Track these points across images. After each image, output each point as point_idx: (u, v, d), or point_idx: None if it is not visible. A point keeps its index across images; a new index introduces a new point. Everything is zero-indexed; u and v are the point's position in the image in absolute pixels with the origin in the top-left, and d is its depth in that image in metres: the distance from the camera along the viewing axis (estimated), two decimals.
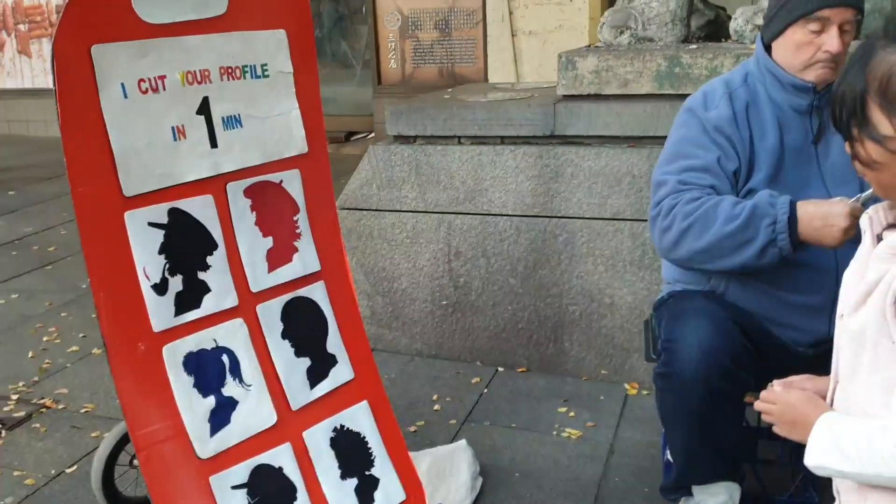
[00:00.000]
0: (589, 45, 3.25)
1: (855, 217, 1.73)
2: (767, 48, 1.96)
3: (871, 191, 1.77)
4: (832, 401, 1.17)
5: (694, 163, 1.92)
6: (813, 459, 1.11)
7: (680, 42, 3.08)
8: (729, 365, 1.82)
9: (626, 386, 2.88)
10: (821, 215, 1.75)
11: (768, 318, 1.96)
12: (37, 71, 8.71)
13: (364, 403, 1.96)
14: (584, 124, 2.95)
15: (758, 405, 1.27)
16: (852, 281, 1.12)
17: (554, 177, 2.95)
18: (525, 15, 6.10)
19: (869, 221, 1.15)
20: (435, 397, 2.82)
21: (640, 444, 2.49)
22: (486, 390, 2.87)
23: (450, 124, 3.09)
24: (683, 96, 2.82)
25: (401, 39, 6.89)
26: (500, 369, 3.02)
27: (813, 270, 1.88)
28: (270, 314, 1.83)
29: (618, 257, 2.90)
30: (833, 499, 1.20)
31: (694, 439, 1.92)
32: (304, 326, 1.88)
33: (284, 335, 1.85)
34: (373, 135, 7.09)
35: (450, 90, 3.74)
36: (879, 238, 1.11)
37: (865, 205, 1.80)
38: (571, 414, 2.68)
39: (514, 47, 6.11)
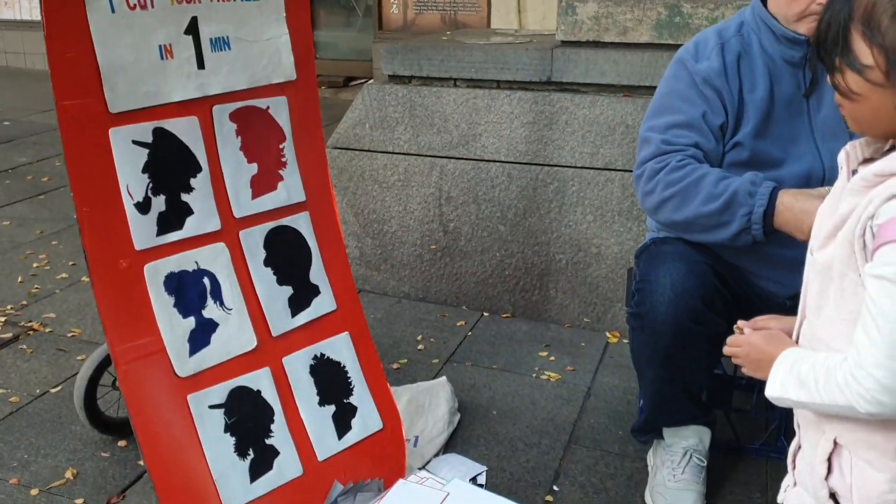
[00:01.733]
0: None
1: None
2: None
3: None
4: (798, 337, 1.18)
5: (679, 118, 1.92)
6: (773, 391, 1.13)
7: None
8: (700, 306, 1.84)
9: (608, 334, 2.91)
10: (796, 209, 1.75)
11: (749, 270, 1.98)
12: (34, 2, 8.59)
13: (345, 335, 1.98)
14: (581, 71, 2.93)
15: (726, 349, 1.28)
16: (824, 215, 1.13)
17: (548, 124, 2.94)
18: None
19: (846, 157, 1.15)
20: (419, 338, 2.84)
21: (616, 388, 2.53)
22: (469, 333, 2.90)
23: (446, 65, 3.07)
24: (679, 47, 2.82)
25: None
26: (485, 314, 3.05)
27: None
28: (253, 240, 1.83)
29: (607, 207, 2.90)
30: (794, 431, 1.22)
31: (664, 380, 1.95)
32: (286, 255, 1.89)
33: (267, 262, 1.86)
34: (372, 81, 7.03)
35: (449, 33, 3.70)
36: (853, 172, 1.11)
37: None
38: (552, 358, 2.71)
39: None
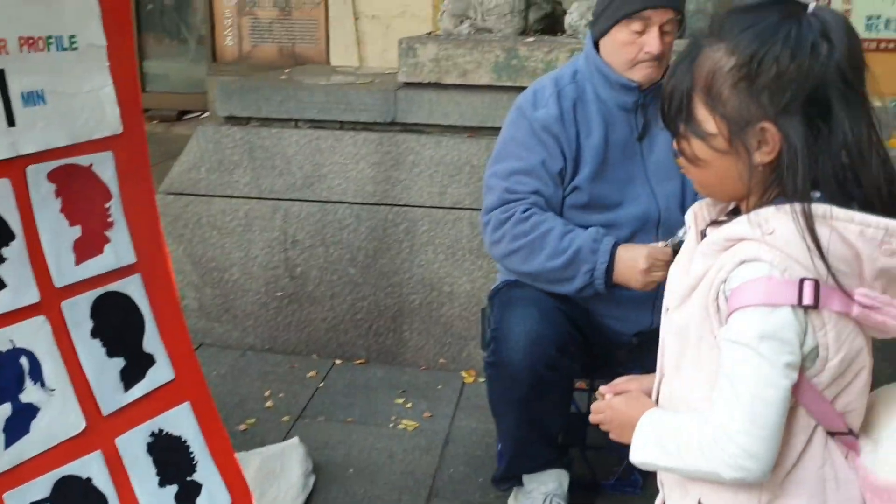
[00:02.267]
0: (430, 33, 3.22)
1: (655, 259, 1.82)
2: (596, 45, 2.00)
3: (679, 236, 1.84)
4: (657, 396, 1.19)
5: (520, 165, 1.97)
6: (637, 456, 1.12)
7: (518, 34, 3.11)
8: (554, 353, 1.86)
9: (463, 374, 2.90)
10: (627, 260, 1.85)
11: (598, 311, 2.02)
12: None
13: (186, 405, 1.82)
14: (425, 112, 2.92)
15: (591, 417, 1.27)
16: (677, 275, 1.14)
17: (395, 164, 2.90)
18: None
19: (693, 217, 1.17)
20: (267, 393, 2.70)
21: (475, 432, 2.51)
22: (321, 384, 2.79)
23: (286, 106, 2.97)
24: (521, 88, 2.83)
25: (238, 16, 6.59)
26: (338, 361, 2.95)
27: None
28: (78, 311, 1.66)
29: (457, 246, 2.90)
30: (658, 489, 1.22)
31: (522, 428, 1.95)
32: (117, 324, 1.73)
33: (94, 333, 1.69)
34: (207, 114, 6.76)
35: (287, 71, 3.60)
36: (703, 234, 1.13)
37: (676, 248, 1.88)
38: (409, 405, 2.66)
39: (356, 30, 6.00)
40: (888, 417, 1.04)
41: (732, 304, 1.00)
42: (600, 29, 1.96)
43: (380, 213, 2.92)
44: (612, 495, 2.21)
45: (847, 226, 0.95)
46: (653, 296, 1.96)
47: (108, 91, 1.69)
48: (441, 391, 2.77)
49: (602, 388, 1.27)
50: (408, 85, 2.98)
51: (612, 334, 2.05)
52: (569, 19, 3.03)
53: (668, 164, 1.96)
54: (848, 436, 1.03)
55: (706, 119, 1.04)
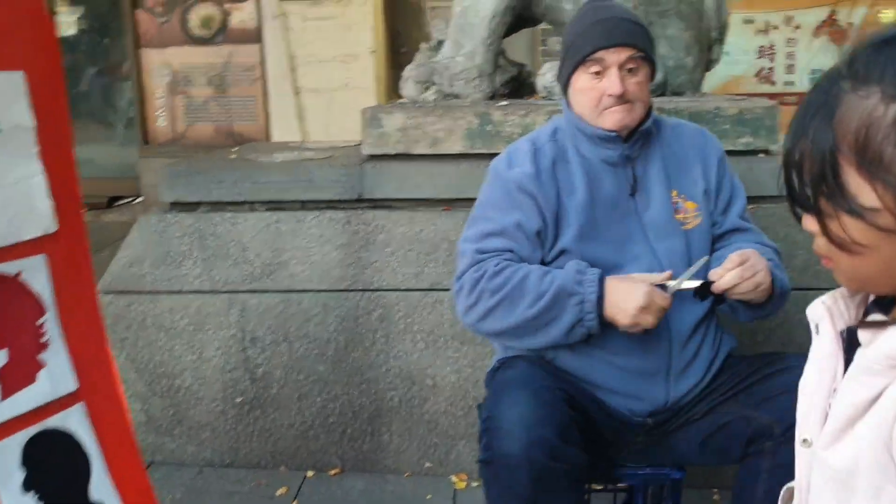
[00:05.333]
0: (393, 101, 2.98)
1: (653, 301, 1.63)
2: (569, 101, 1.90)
3: (681, 279, 1.70)
4: None
5: (492, 227, 1.83)
6: None
7: (487, 98, 2.90)
8: (555, 440, 1.59)
9: (454, 478, 2.57)
10: (621, 290, 1.67)
11: (602, 385, 1.80)
12: None
13: None
14: (395, 186, 2.65)
15: None
16: (820, 395, 0.86)
17: (364, 245, 2.61)
18: (308, 72, 5.79)
19: (828, 314, 0.90)
20: None
21: None
22: (294, 502, 2.42)
23: (240, 188, 2.66)
24: (497, 155, 2.64)
25: (170, 95, 6.29)
26: (310, 473, 2.58)
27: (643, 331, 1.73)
28: (5, 459, 1.30)
29: (438, 332, 2.60)
30: None
31: None
32: (55, 470, 1.37)
33: (28, 485, 1.33)
34: (141, 199, 6.38)
35: (235, 149, 3.30)
36: (844, 335, 0.86)
37: (674, 294, 1.69)
38: None
39: (297, 105, 5.76)
40: None
41: None
42: (563, 81, 1.89)
43: (350, 301, 2.61)
44: None
45: None
46: (664, 366, 1.78)
47: (39, 181, 1.37)
48: (431, 501, 2.43)
49: None
50: (373, 157, 2.72)
51: (622, 418, 1.82)
52: (542, 81, 2.84)
53: (665, 220, 1.83)
54: None
55: (862, 189, 0.78)
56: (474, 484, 2.54)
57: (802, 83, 5.82)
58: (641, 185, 1.84)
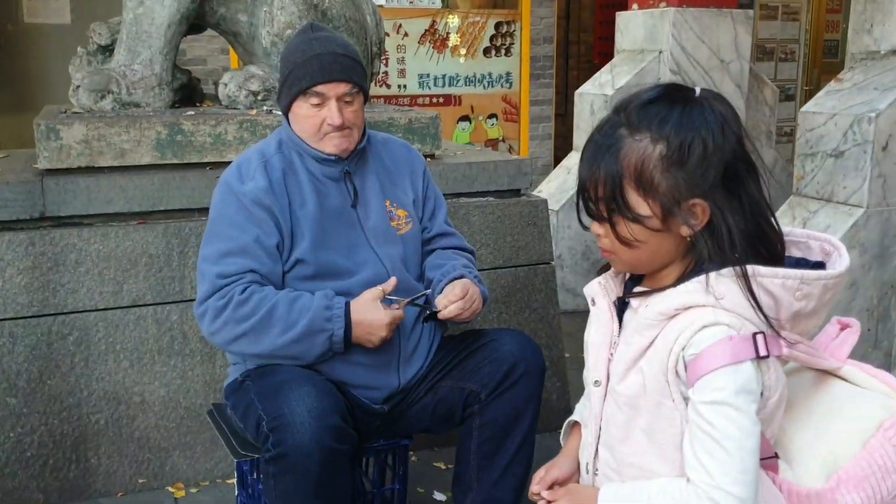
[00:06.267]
0: (65, 111, 2.79)
1: (395, 321, 1.90)
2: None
3: (412, 298, 1.97)
4: (593, 469, 1.23)
5: (231, 245, 1.90)
6: None
7: (168, 107, 2.87)
8: (340, 423, 1.78)
9: (171, 489, 2.57)
10: (367, 324, 1.89)
11: (345, 381, 1.98)
12: None
13: None
14: (83, 202, 2.52)
15: None
16: (604, 348, 1.20)
17: (53, 266, 2.46)
18: None
19: (603, 290, 1.24)
20: None
21: None
22: None
23: None
24: (191, 165, 2.67)
25: None
26: None
27: None
28: None
29: (143, 349, 2.56)
30: None
31: None
32: None
33: None
34: None
35: None
36: (617, 304, 1.21)
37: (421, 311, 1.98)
38: None
39: None
40: (794, 435, 1.23)
41: (701, 368, 1.09)
42: (283, 105, 2.01)
43: (41, 327, 2.44)
44: None
45: (772, 280, 1.11)
46: (395, 357, 2.01)
47: None
48: None
49: (533, 489, 1.28)
50: (53, 172, 2.55)
51: (364, 407, 2.01)
52: (226, 90, 2.89)
53: (385, 228, 2.05)
54: (772, 459, 1.20)
55: (639, 203, 1.13)
56: (193, 490, 2.57)
57: (413, 86, 6.51)
58: (361, 196, 2.03)
